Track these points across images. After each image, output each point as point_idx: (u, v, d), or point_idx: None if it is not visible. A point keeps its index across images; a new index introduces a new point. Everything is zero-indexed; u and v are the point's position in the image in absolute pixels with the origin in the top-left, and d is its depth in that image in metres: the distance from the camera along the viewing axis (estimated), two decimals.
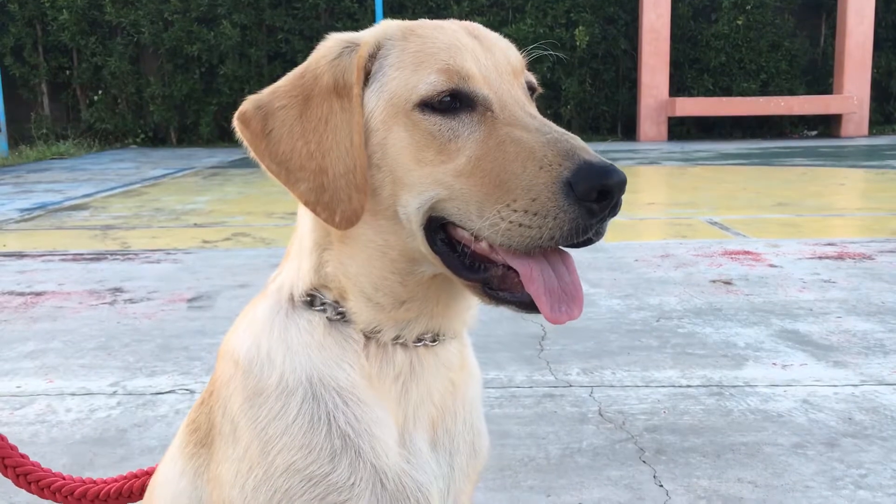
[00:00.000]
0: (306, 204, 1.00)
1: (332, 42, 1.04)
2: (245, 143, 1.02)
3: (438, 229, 0.99)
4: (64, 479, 1.41)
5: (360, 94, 0.99)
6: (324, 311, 1.07)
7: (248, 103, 1.03)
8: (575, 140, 0.95)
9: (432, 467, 1.07)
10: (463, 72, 0.99)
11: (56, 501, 1.41)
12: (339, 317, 1.06)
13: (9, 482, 1.45)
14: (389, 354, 1.06)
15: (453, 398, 1.12)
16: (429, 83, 0.97)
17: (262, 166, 1.01)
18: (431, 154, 0.97)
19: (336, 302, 1.06)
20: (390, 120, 0.98)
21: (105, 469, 2.31)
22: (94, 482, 1.42)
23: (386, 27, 1.04)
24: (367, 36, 1.04)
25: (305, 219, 1.09)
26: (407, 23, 1.05)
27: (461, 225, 0.97)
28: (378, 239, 1.02)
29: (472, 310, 1.12)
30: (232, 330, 1.14)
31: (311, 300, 1.07)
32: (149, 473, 1.40)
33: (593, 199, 0.91)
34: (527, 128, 0.97)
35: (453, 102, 0.98)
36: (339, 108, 0.98)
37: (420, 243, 1.00)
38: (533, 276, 0.94)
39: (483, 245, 0.97)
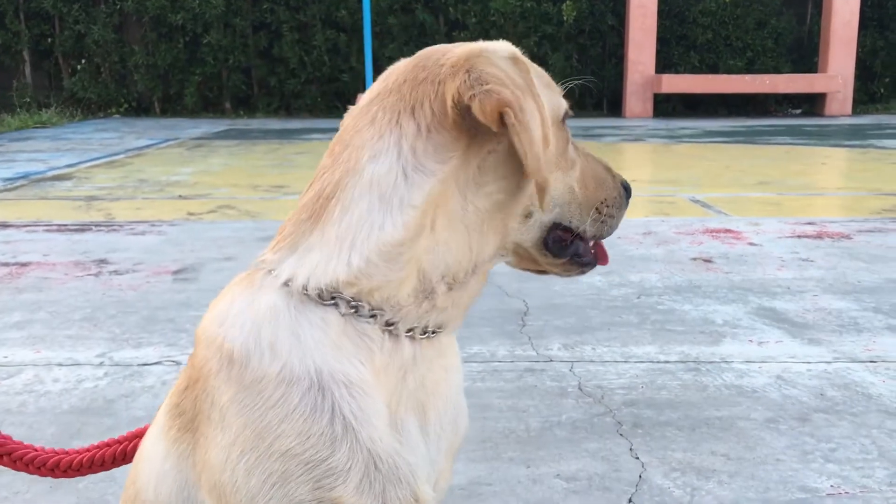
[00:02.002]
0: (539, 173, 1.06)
1: (471, 47, 1.09)
2: (514, 133, 1.02)
3: (555, 228, 1.20)
4: (36, 450, 1.43)
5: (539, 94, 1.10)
6: (335, 305, 1.04)
7: (509, 91, 1.04)
8: None
9: (421, 450, 1.09)
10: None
11: (29, 473, 1.43)
12: (352, 311, 1.04)
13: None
14: (400, 346, 1.06)
15: (446, 384, 1.14)
16: (564, 102, 1.20)
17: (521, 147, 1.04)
18: (563, 161, 1.17)
19: (353, 297, 1.03)
20: (549, 132, 1.09)
21: (93, 438, 2.35)
22: (67, 452, 1.44)
23: (508, 46, 1.13)
24: (509, 48, 1.11)
25: (392, 212, 1.03)
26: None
27: (570, 226, 1.20)
28: (487, 228, 1.10)
29: None
30: (215, 316, 1.09)
31: (323, 294, 1.03)
32: (119, 442, 1.42)
33: (628, 198, 1.29)
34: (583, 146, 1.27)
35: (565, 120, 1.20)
36: (536, 104, 1.05)
37: (530, 238, 1.18)
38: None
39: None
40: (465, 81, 1.02)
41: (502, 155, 1.07)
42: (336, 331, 1.04)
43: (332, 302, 1.04)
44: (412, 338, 1.08)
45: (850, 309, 3.62)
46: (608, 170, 1.26)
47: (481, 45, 1.10)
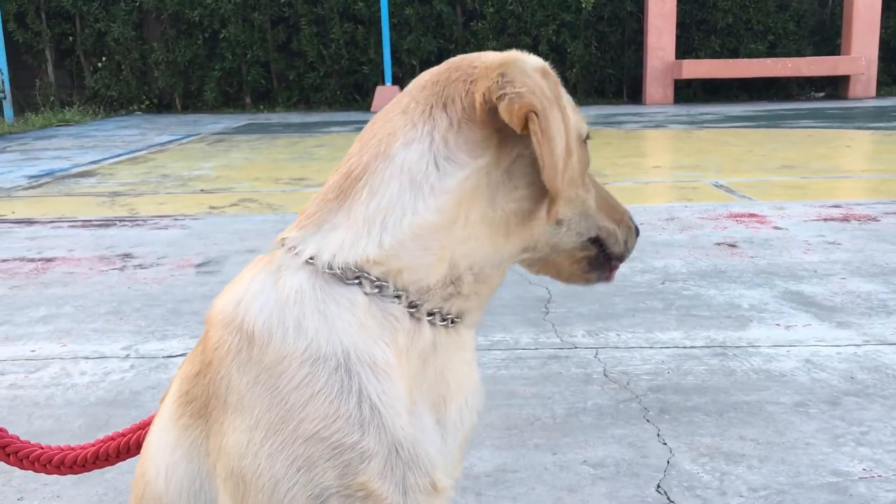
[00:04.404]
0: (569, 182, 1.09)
1: (505, 56, 1.10)
2: (537, 140, 1.04)
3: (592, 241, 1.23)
4: (42, 448, 1.44)
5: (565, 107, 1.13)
6: (360, 284, 1.03)
7: (535, 98, 1.04)
8: None
9: (437, 441, 1.08)
10: None
11: (35, 471, 1.43)
12: (376, 291, 1.03)
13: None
14: (421, 330, 1.06)
15: (467, 377, 1.13)
16: (587, 127, 1.20)
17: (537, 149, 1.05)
18: (583, 180, 1.18)
19: (378, 277, 1.03)
20: (572, 143, 1.11)
21: (120, 430, 2.36)
22: (72, 448, 1.44)
23: (540, 60, 1.15)
24: (539, 61, 1.13)
25: (425, 196, 1.05)
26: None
27: (607, 244, 1.25)
28: (514, 227, 1.12)
29: None
30: (230, 296, 1.08)
31: (346, 272, 1.03)
32: (123, 434, 1.42)
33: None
34: None
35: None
36: (562, 116, 1.07)
37: (569, 242, 1.19)
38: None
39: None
40: (496, 82, 1.04)
41: (530, 160, 1.07)
42: (363, 311, 1.03)
43: (357, 281, 1.03)
44: (433, 324, 1.07)
45: (879, 291, 3.57)
46: (617, 202, 1.29)
47: (515, 53, 1.11)
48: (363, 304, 1.03)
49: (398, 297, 1.04)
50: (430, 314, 1.07)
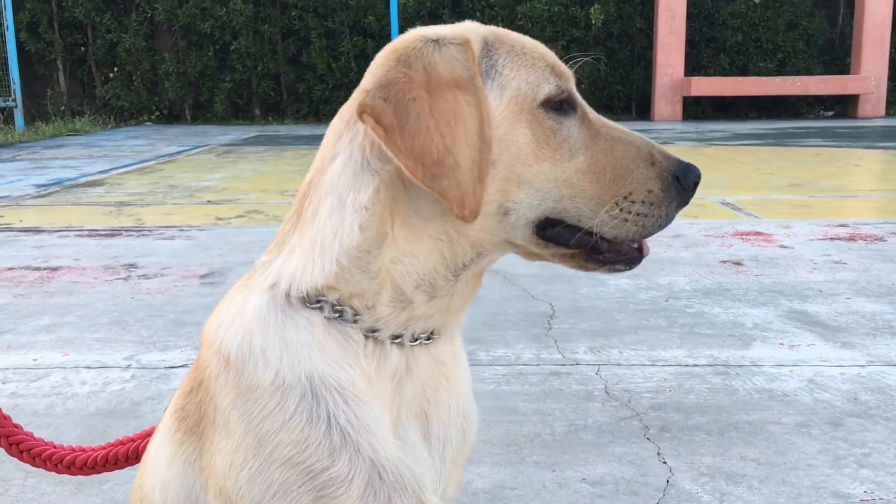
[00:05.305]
0: (447, 199, 0.96)
1: (420, 36, 1.05)
2: (377, 139, 0.97)
3: (546, 224, 1.06)
4: (55, 447, 1.44)
5: (483, 88, 1.02)
6: (320, 309, 1.03)
7: (370, 97, 0.98)
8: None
9: (425, 459, 1.07)
10: (566, 76, 1.09)
11: (46, 469, 1.43)
12: (336, 315, 1.03)
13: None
14: (386, 353, 1.05)
15: (447, 392, 1.12)
16: (552, 84, 1.05)
17: (397, 163, 0.96)
18: (549, 152, 1.04)
19: (337, 301, 1.03)
20: (513, 117, 1.02)
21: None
22: (83, 450, 1.45)
23: (476, 28, 1.09)
24: (466, 33, 1.06)
25: (347, 214, 1.01)
26: (490, 27, 1.11)
27: (576, 223, 1.05)
28: (453, 231, 1.03)
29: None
30: (215, 318, 1.09)
31: (308, 298, 1.03)
32: (133, 440, 1.43)
33: (691, 189, 1.10)
34: (618, 129, 1.12)
35: (564, 104, 1.07)
36: (465, 101, 0.98)
37: (521, 235, 1.05)
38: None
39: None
40: (366, 78, 1.04)
41: None
42: (321, 332, 1.03)
43: (318, 305, 1.03)
44: (401, 345, 1.05)
45: (885, 312, 3.55)
46: (645, 158, 1.09)
47: (411, 32, 1.06)
48: (321, 326, 1.03)
49: (356, 321, 1.03)
50: (395, 337, 1.05)
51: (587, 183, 1.06)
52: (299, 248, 1.06)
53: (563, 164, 1.05)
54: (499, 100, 1.04)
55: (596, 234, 1.07)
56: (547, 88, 1.05)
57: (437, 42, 1.03)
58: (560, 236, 1.08)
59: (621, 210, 1.06)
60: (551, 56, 1.10)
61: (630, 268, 1.12)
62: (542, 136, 1.04)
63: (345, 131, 1.06)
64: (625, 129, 1.12)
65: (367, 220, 1.02)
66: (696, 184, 1.11)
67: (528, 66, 1.06)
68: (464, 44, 1.04)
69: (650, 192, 1.08)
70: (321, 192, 1.05)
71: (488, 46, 1.07)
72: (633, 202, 1.07)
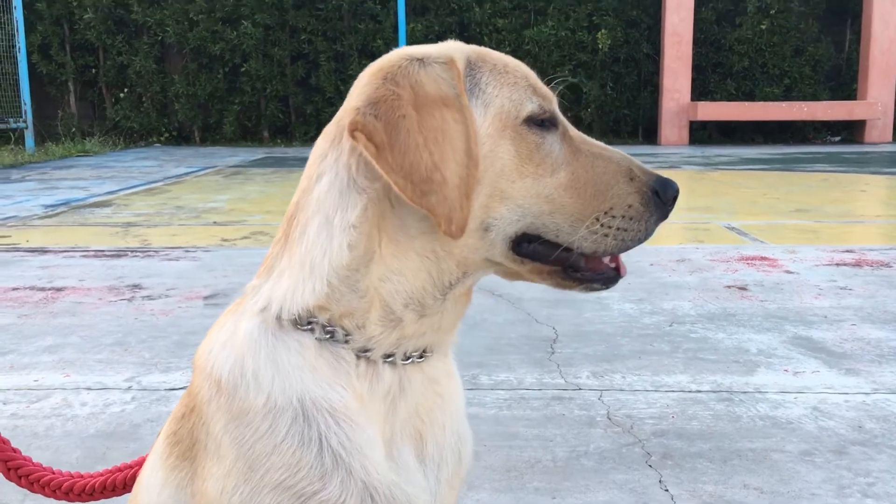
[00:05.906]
0: (436, 215, 0.97)
1: (405, 55, 1.06)
2: (369, 156, 0.97)
3: (523, 240, 1.07)
4: (53, 473, 1.44)
5: (468, 106, 1.03)
6: (311, 330, 1.03)
7: (360, 114, 0.98)
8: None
9: (419, 480, 1.07)
10: (549, 95, 1.11)
11: (45, 495, 1.43)
12: (327, 336, 1.03)
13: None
14: (378, 373, 1.04)
15: (441, 411, 1.11)
16: (534, 103, 1.07)
17: (387, 180, 0.97)
18: (532, 167, 1.05)
19: (328, 322, 1.03)
20: (497, 133, 1.04)
21: (117, 463, 2.35)
22: (82, 476, 1.45)
23: (460, 47, 1.10)
24: (450, 52, 1.07)
25: (335, 234, 1.02)
26: (473, 46, 1.13)
27: (554, 239, 1.07)
28: (440, 249, 1.03)
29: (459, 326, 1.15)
30: (206, 344, 1.09)
31: (299, 320, 1.03)
32: (131, 467, 1.42)
33: (670, 203, 1.12)
34: (598, 146, 1.13)
35: (545, 122, 1.08)
36: (452, 118, 1.00)
37: (499, 252, 1.06)
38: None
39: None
40: (352, 95, 1.04)
41: None
42: (312, 354, 1.03)
43: (309, 327, 1.03)
44: (393, 364, 1.05)
45: (890, 338, 3.52)
46: (625, 173, 1.10)
47: (395, 52, 1.07)
48: (312, 347, 1.03)
49: (347, 342, 1.03)
50: (387, 356, 1.05)
51: (568, 198, 1.07)
52: (288, 271, 1.06)
53: (546, 179, 1.06)
54: (483, 117, 1.05)
55: (576, 250, 1.08)
56: (529, 107, 1.07)
57: (422, 61, 1.04)
58: (536, 252, 1.08)
59: (602, 225, 1.08)
60: (533, 76, 1.12)
61: (607, 287, 1.12)
62: (525, 153, 1.05)
63: (329, 150, 1.06)
64: (604, 145, 1.13)
65: (355, 238, 1.02)
66: (674, 198, 1.13)
67: (511, 84, 1.08)
68: (448, 62, 1.05)
69: (630, 206, 1.09)
70: (308, 212, 1.06)
71: (472, 65, 1.08)
72: (613, 217, 1.08)
